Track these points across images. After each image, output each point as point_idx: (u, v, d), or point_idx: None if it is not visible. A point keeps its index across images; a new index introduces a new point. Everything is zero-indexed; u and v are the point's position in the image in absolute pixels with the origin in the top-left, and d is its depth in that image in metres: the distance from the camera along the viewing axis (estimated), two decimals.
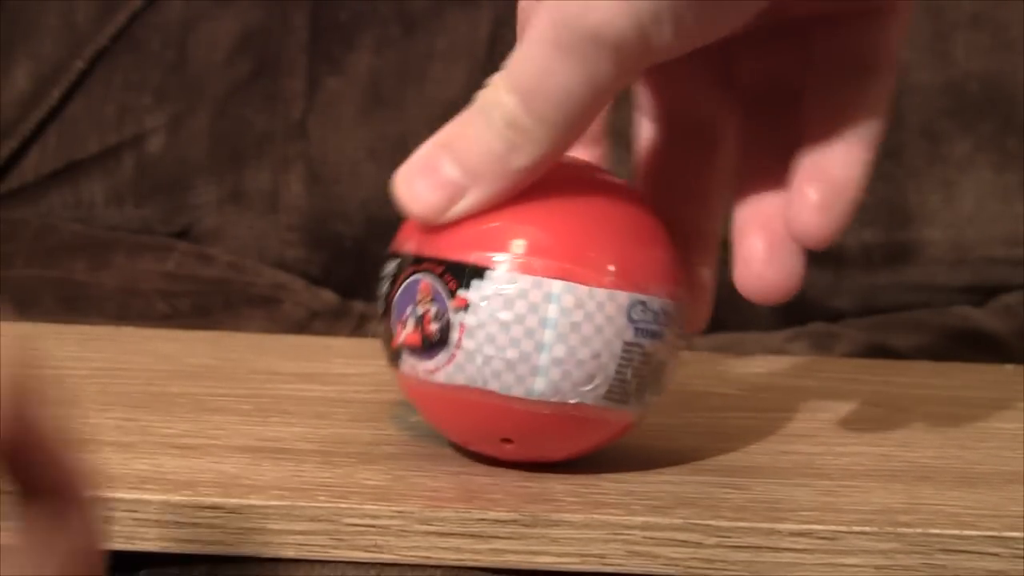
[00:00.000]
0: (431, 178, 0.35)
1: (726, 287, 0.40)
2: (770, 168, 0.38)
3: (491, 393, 0.35)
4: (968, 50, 0.60)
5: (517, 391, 0.35)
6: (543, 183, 0.36)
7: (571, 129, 0.35)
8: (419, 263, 0.36)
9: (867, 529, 0.35)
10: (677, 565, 0.35)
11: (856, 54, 0.38)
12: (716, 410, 0.45)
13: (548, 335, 0.35)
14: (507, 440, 0.37)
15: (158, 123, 0.60)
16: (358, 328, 0.59)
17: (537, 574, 0.35)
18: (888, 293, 0.61)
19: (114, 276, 0.59)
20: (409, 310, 0.36)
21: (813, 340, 0.59)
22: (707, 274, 0.40)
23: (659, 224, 0.37)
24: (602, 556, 0.35)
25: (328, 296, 0.60)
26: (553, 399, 0.35)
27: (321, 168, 0.60)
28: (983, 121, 0.61)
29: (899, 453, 0.42)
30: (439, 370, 0.36)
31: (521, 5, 0.39)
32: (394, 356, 0.37)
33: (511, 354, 0.35)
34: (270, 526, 0.34)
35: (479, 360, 0.35)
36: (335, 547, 0.34)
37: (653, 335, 0.36)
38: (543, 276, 0.35)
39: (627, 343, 0.35)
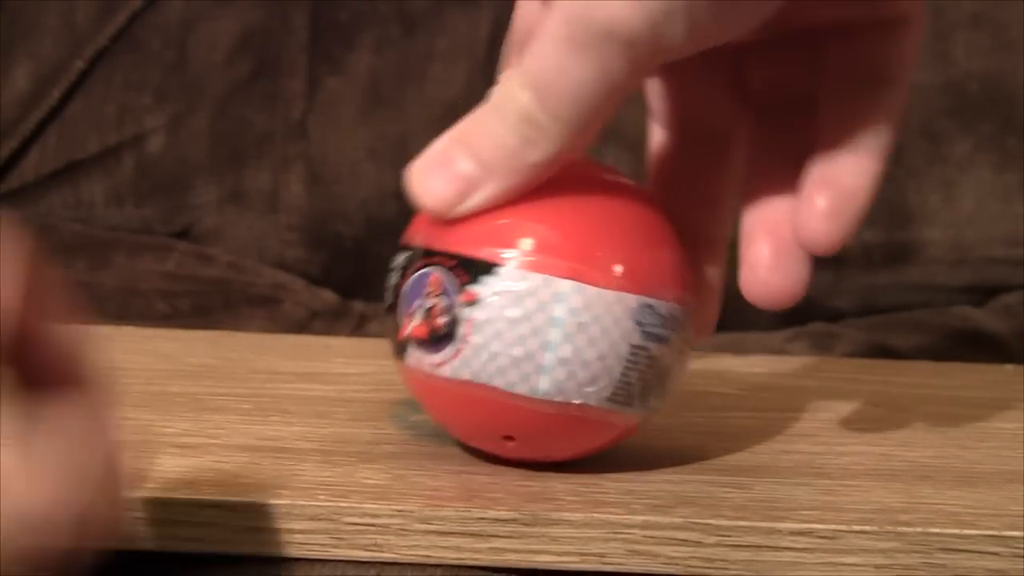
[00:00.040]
0: (445, 172, 0.35)
1: (726, 287, 0.40)
2: (779, 174, 0.38)
3: (495, 390, 0.35)
4: (968, 50, 0.60)
5: (521, 389, 0.35)
6: (557, 182, 0.36)
7: (585, 125, 0.34)
8: (430, 256, 0.36)
9: (867, 528, 0.35)
10: (677, 564, 0.35)
11: (870, 65, 0.38)
12: (716, 409, 0.45)
13: (555, 334, 0.35)
14: (509, 438, 0.37)
15: (158, 123, 0.60)
16: (358, 328, 0.59)
17: (537, 573, 0.35)
18: (888, 293, 0.61)
19: (114, 276, 0.59)
20: (417, 303, 0.36)
21: (813, 340, 0.59)
22: (715, 275, 0.40)
23: (670, 227, 0.37)
24: (602, 555, 0.35)
25: (328, 296, 0.60)
26: (557, 399, 0.35)
27: (321, 168, 0.60)
28: (983, 121, 0.61)
29: (899, 452, 0.42)
30: (444, 364, 0.36)
31: (522, 5, 0.39)
32: (400, 348, 0.37)
33: (517, 351, 0.35)
34: (270, 525, 0.34)
35: (485, 356, 0.35)
36: (335, 546, 0.34)
37: (660, 339, 0.36)
38: (553, 275, 0.35)
39: (633, 346, 0.35)
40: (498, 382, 0.35)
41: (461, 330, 0.35)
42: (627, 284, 0.35)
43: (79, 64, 0.60)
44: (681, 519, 0.35)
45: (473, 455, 0.39)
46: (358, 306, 0.60)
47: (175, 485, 0.35)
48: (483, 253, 0.35)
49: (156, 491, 0.35)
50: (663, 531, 0.35)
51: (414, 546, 0.34)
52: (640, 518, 0.35)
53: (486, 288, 0.35)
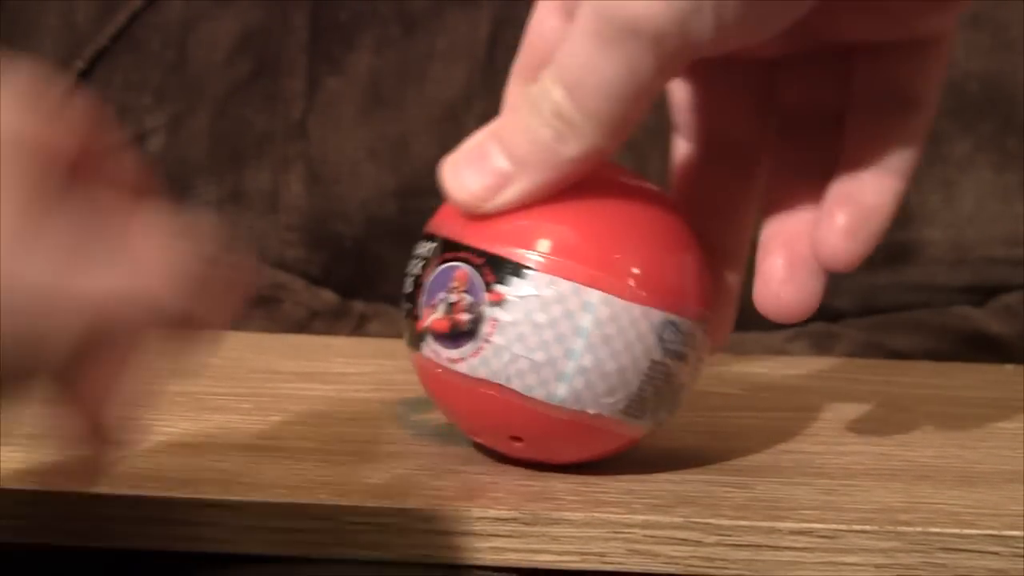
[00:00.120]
0: (478, 165, 0.35)
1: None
2: (800, 188, 0.38)
3: (511, 391, 0.35)
4: (968, 50, 0.60)
5: (538, 393, 0.35)
6: (592, 187, 0.36)
7: (616, 123, 0.34)
8: (456, 250, 0.36)
9: (867, 528, 0.35)
10: (677, 563, 0.35)
11: (898, 85, 0.38)
12: (716, 409, 0.45)
13: (579, 343, 0.35)
14: (517, 438, 0.37)
15: (158, 123, 0.60)
16: (358, 328, 0.59)
17: (538, 572, 0.35)
18: (888, 293, 0.61)
19: None
20: (441, 296, 0.36)
21: (813, 340, 0.59)
22: (734, 279, 0.40)
23: (696, 241, 0.37)
24: (602, 554, 0.35)
25: (328, 296, 0.60)
26: (572, 407, 0.35)
27: (321, 168, 0.60)
28: (983, 121, 0.61)
29: (899, 452, 0.42)
30: (463, 360, 0.35)
31: (539, 20, 0.39)
32: (416, 338, 0.37)
33: (539, 356, 0.35)
34: (271, 524, 0.34)
35: (506, 357, 0.35)
36: (336, 545, 0.34)
37: (679, 356, 0.36)
38: (583, 284, 0.35)
39: (654, 361, 0.35)
40: (516, 384, 0.35)
41: (484, 329, 0.35)
42: (654, 299, 0.35)
43: (79, 64, 0.60)
44: (681, 518, 0.35)
45: (473, 454, 0.39)
46: (358, 306, 0.60)
47: (175, 485, 0.35)
48: (513, 254, 0.35)
49: (156, 491, 0.35)
50: (663, 530, 0.35)
51: (414, 545, 0.34)
52: (640, 517, 0.35)
53: (513, 290, 0.35)
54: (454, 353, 0.35)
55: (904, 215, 0.61)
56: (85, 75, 0.61)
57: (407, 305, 0.37)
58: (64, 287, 0.25)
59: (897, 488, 0.38)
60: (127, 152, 0.29)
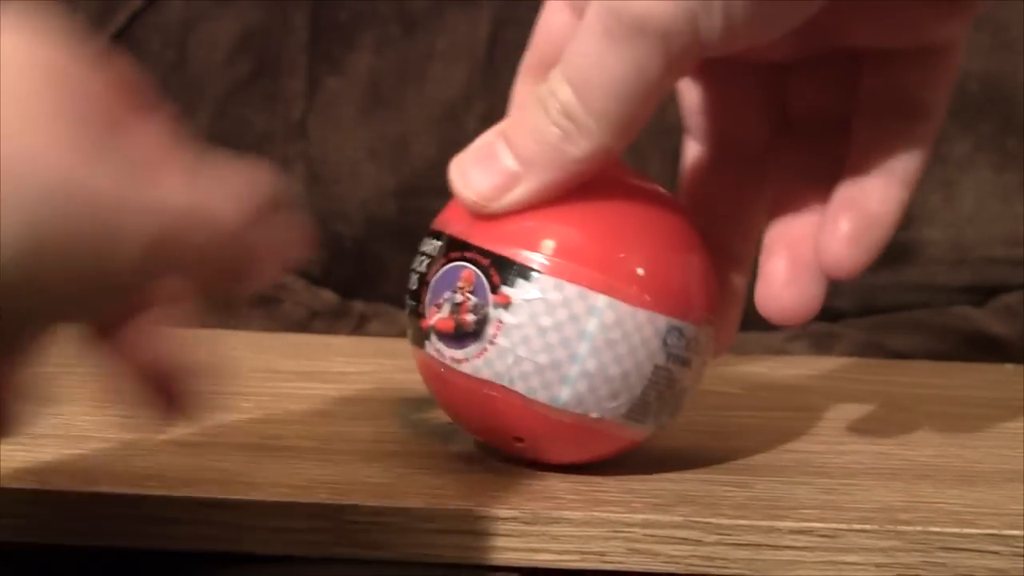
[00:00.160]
0: (486, 165, 0.35)
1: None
2: (805, 191, 0.38)
3: (514, 393, 0.35)
4: (968, 50, 0.60)
5: (541, 396, 0.35)
6: (603, 191, 0.36)
7: (624, 122, 0.34)
8: (464, 249, 0.36)
9: (867, 527, 0.35)
10: (677, 563, 0.35)
11: (906, 94, 0.38)
12: (717, 409, 0.45)
13: (583, 347, 0.35)
14: (519, 439, 0.37)
15: None
16: (358, 327, 0.59)
17: (538, 571, 0.35)
18: (888, 293, 0.61)
19: None
20: (446, 295, 0.36)
21: (813, 340, 0.59)
22: (741, 282, 0.40)
23: (704, 246, 0.37)
24: (602, 554, 0.35)
25: (328, 296, 0.60)
26: (575, 410, 0.35)
27: (321, 168, 0.60)
28: (983, 121, 0.61)
29: (899, 452, 0.42)
30: (467, 361, 0.35)
31: (548, 18, 0.39)
32: (420, 336, 0.37)
33: (543, 359, 0.35)
34: (271, 523, 0.34)
35: (510, 359, 0.35)
36: (336, 544, 0.34)
37: (682, 361, 0.36)
38: (589, 288, 0.35)
39: (657, 367, 0.35)
40: (519, 387, 0.35)
41: (489, 330, 0.35)
42: (659, 304, 0.35)
43: None
44: (681, 518, 0.35)
45: (473, 453, 0.39)
46: (358, 306, 0.60)
47: (176, 484, 0.35)
48: (520, 256, 0.35)
49: (156, 490, 0.35)
50: (663, 530, 0.35)
51: (414, 545, 0.34)
52: (640, 517, 0.35)
53: (519, 292, 0.35)
54: (458, 353, 0.35)
55: (904, 215, 0.61)
56: None
57: (411, 302, 0.37)
58: (133, 196, 0.25)
59: (897, 487, 0.38)
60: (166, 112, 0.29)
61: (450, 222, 0.36)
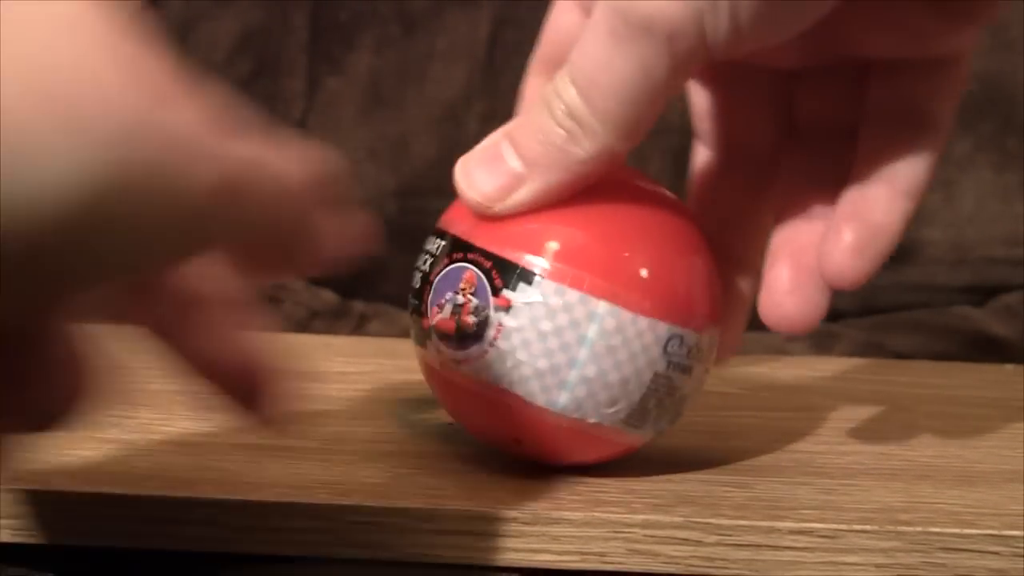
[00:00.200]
0: (491, 166, 0.35)
1: None
2: (812, 199, 0.38)
3: (513, 397, 0.35)
4: None
5: (539, 400, 0.35)
6: (608, 195, 0.35)
7: (630, 124, 0.34)
8: (467, 250, 0.35)
9: (867, 527, 0.35)
10: (678, 563, 0.35)
11: (913, 105, 0.37)
12: (716, 409, 0.45)
13: (583, 353, 0.35)
14: (518, 440, 0.37)
15: None
16: (358, 327, 0.59)
17: (538, 572, 0.35)
18: (888, 293, 0.61)
19: None
20: (448, 296, 0.35)
21: (813, 340, 0.59)
22: (747, 288, 0.40)
23: (710, 251, 0.37)
24: (602, 554, 0.35)
25: (328, 296, 0.60)
26: (573, 415, 0.35)
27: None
28: (983, 121, 0.61)
29: (899, 452, 0.42)
30: (466, 362, 0.35)
31: (558, 17, 0.39)
32: (422, 336, 0.37)
33: (542, 364, 0.35)
34: (271, 523, 0.34)
35: (509, 363, 0.35)
36: (335, 544, 0.34)
37: (683, 369, 0.36)
38: (590, 294, 0.35)
39: (657, 374, 0.35)
40: (518, 390, 0.35)
41: (489, 333, 0.35)
42: (661, 312, 0.35)
43: None
44: (681, 518, 0.35)
45: (474, 454, 0.39)
46: (358, 306, 0.60)
47: (175, 484, 0.35)
48: (523, 259, 0.35)
49: (156, 490, 0.35)
50: (663, 530, 0.35)
51: (414, 545, 0.34)
52: (640, 517, 0.35)
53: (521, 296, 0.35)
54: (458, 354, 0.35)
55: (909, 225, 0.61)
56: None
57: (414, 301, 0.37)
58: (203, 140, 0.26)
59: (897, 488, 0.38)
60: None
61: (454, 222, 0.36)
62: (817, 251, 0.37)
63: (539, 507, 0.35)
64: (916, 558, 0.35)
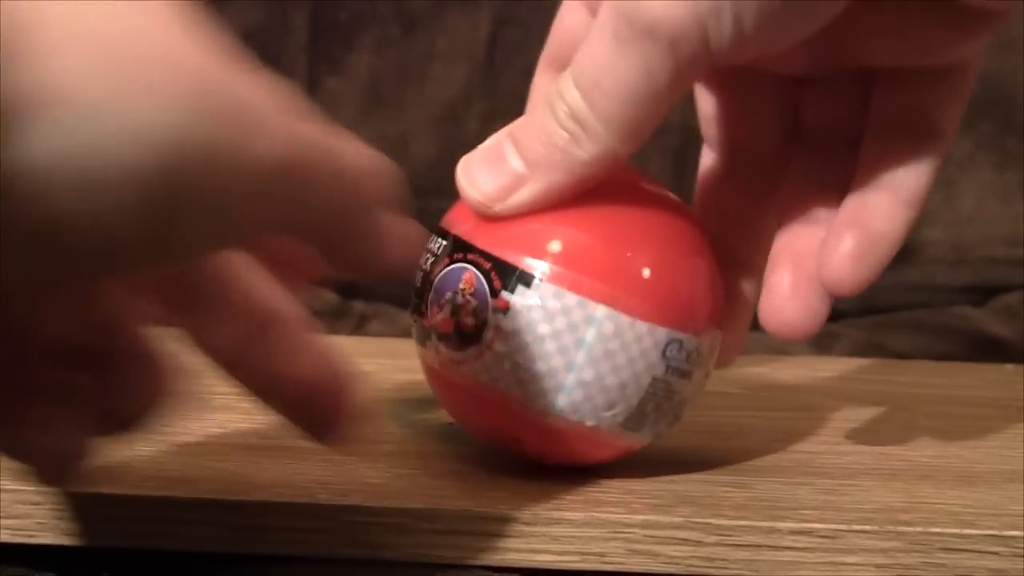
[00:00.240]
0: (493, 166, 0.35)
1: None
2: (814, 205, 0.38)
3: (511, 399, 0.35)
4: None
5: (537, 403, 0.35)
6: (610, 198, 0.35)
7: (632, 127, 0.34)
8: (468, 251, 0.35)
9: (867, 528, 0.35)
10: (678, 563, 0.35)
11: (918, 114, 0.37)
12: (716, 409, 0.45)
13: (580, 356, 0.35)
14: (517, 440, 0.37)
15: None
16: (358, 328, 0.59)
17: (538, 572, 0.35)
18: (888, 293, 0.61)
19: None
20: (448, 295, 0.35)
21: (813, 340, 0.59)
22: (750, 292, 0.40)
23: (712, 255, 0.37)
24: (602, 554, 0.35)
25: (328, 296, 0.60)
26: (570, 418, 0.35)
27: None
28: (983, 121, 0.61)
29: (899, 452, 0.42)
30: (465, 363, 0.35)
31: (566, 15, 0.39)
32: (422, 335, 0.37)
33: (539, 367, 0.35)
34: (270, 523, 0.34)
35: (507, 365, 0.35)
36: (335, 544, 0.34)
37: (682, 374, 0.36)
38: (589, 297, 0.34)
39: (655, 378, 0.35)
40: (515, 393, 0.35)
41: (487, 335, 0.35)
42: (661, 316, 0.35)
43: None
44: (681, 518, 0.35)
45: (474, 454, 0.39)
46: (358, 306, 0.60)
47: (175, 484, 0.35)
48: (522, 262, 0.35)
49: (156, 490, 0.35)
50: (663, 530, 0.35)
51: (414, 545, 0.34)
52: (640, 517, 0.35)
53: (519, 298, 0.35)
54: (457, 355, 0.35)
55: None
56: None
57: (415, 300, 0.37)
58: (274, 112, 0.27)
59: (897, 488, 0.38)
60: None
61: (456, 222, 0.36)
62: (817, 257, 0.37)
63: (539, 507, 0.35)
64: (916, 558, 0.35)
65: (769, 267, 0.38)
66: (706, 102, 0.41)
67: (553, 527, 0.35)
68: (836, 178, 0.38)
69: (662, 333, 0.35)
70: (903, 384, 0.51)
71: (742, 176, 0.40)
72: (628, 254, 0.35)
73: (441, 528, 0.34)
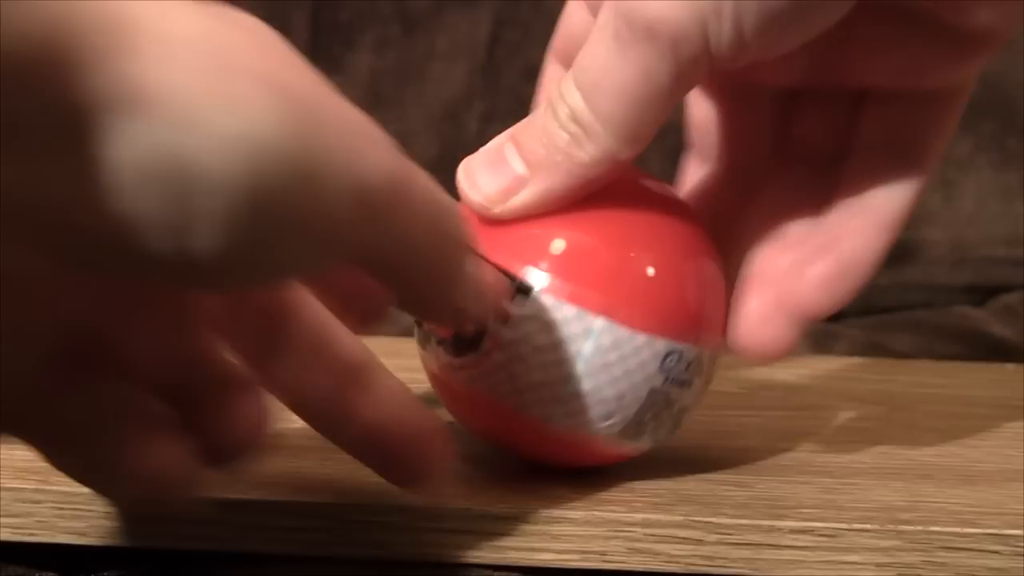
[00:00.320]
0: (494, 167, 0.35)
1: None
2: (788, 224, 0.38)
3: (508, 406, 0.35)
4: None
5: (534, 413, 0.35)
6: (613, 203, 0.35)
7: (632, 129, 0.34)
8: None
9: (868, 527, 0.35)
10: (678, 562, 0.35)
11: (905, 137, 0.37)
12: (717, 408, 0.45)
13: (578, 368, 0.34)
14: (514, 445, 0.37)
15: None
16: None
17: (538, 571, 0.35)
18: (888, 293, 0.61)
19: None
20: None
21: (813, 339, 0.59)
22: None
23: (718, 271, 0.36)
24: (603, 553, 0.35)
25: None
26: (568, 428, 0.35)
27: None
28: (983, 121, 0.61)
29: (900, 451, 0.42)
30: (463, 370, 0.35)
31: (571, 12, 0.39)
32: (424, 337, 0.37)
33: (537, 377, 0.34)
34: (271, 523, 0.34)
35: (503, 375, 0.35)
36: (336, 544, 0.34)
37: (682, 384, 0.36)
38: (587, 309, 0.34)
39: (653, 389, 0.35)
40: (511, 402, 0.35)
41: (486, 343, 0.35)
42: (660, 328, 0.35)
43: None
44: (682, 517, 0.35)
45: (474, 454, 0.39)
46: None
47: None
48: (521, 272, 0.34)
49: None
50: (664, 529, 0.35)
51: (415, 544, 0.34)
52: (641, 516, 0.35)
53: (518, 309, 0.34)
54: (455, 361, 0.35)
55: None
56: None
57: None
58: (372, 137, 0.27)
59: (898, 487, 0.38)
60: None
61: None
62: (787, 281, 0.37)
63: (540, 506, 0.35)
64: (917, 557, 0.35)
65: (741, 288, 0.37)
66: (697, 108, 0.41)
67: (554, 526, 0.35)
68: (815, 197, 0.38)
69: (661, 344, 0.35)
70: (903, 384, 0.51)
71: (724, 186, 0.40)
72: (629, 264, 0.35)
73: (441, 527, 0.34)
